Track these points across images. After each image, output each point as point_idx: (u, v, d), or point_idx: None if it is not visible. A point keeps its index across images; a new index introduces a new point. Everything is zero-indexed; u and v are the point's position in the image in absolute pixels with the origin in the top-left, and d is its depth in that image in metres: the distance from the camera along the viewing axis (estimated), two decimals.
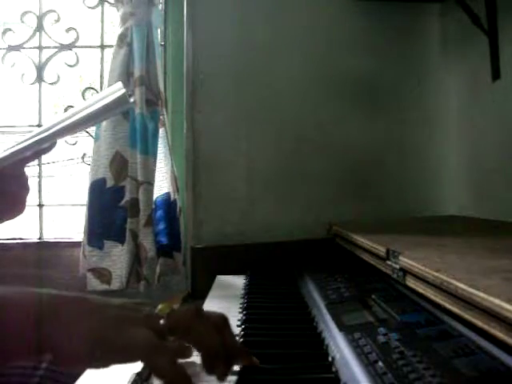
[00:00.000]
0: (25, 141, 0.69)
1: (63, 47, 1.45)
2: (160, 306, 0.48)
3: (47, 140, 0.69)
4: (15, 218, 0.77)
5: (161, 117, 1.33)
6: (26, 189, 0.76)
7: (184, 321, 0.49)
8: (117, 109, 0.70)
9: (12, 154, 0.69)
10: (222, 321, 0.53)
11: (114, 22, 1.40)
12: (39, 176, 1.48)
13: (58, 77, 1.45)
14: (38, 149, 0.71)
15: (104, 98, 0.67)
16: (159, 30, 1.38)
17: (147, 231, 1.27)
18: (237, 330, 0.71)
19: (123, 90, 0.67)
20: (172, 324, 0.48)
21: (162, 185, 1.35)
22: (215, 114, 1.32)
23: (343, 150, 1.34)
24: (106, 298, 0.49)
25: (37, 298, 0.45)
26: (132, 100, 1.26)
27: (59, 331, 0.43)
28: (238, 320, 0.77)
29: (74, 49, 1.45)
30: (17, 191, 0.75)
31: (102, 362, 0.44)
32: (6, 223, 0.77)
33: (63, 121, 0.68)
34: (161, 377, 0.43)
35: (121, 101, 0.67)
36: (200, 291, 1.13)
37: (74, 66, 1.45)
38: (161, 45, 1.41)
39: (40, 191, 1.48)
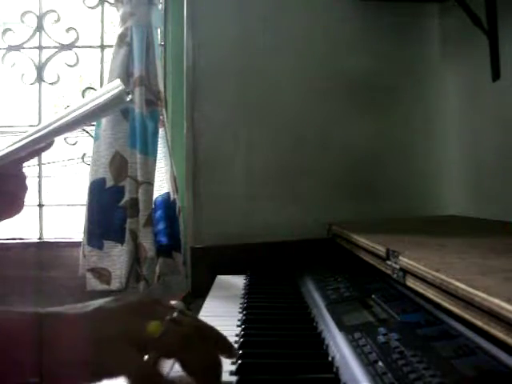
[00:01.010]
0: (22, 140, 0.69)
1: (63, 47, 1.45)
2: (152, 324, 0.45)
3: (45, 139, 0.69)
4: (14, 217, 0.76)
5: (161, 117, 1.33)
6: (24, 188, 0.76)
7: (174, 348, 0.46)
8: (115, 107, 0.70)
9: (9, 152, 0.69)
10: (215, 335, 0.51)
11: (114, 22, 1.40)
12: (39, 176, 1.48)
13: (58, 77, 1.45)
14: (36, 147, 0.71)
15: (102, 95, 0.67)
16: (159, 30, 1.38)
17: (147, 231, 1.27)
18: (237, 330, 0.71)
19: (121, 87, 0.67)
20: (162, 349, 0.45)
21: (162, 185, 1.35)
22: (215, 114, 1.32)
23: (343, 149, 1.34)
24: (109, 306, 0.47)
25: (30, 322, 0.43)
26: (130, 97, 1.25)
27: (54, 356, 0.42)
28: (238, 320, 0.77)
29: (74, 49, 1.45)
30: (15, 190, 0.75)
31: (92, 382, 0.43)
32: (5, 223, 0.77)
33: (61, 119, 0.68)
34: None
35: (118, 98, 0.66)
36: (200, 291, 1.13)
37: (74, 66, 1.45)
38: (161, 45, 1.41)
39: (40, 191, 1.48)
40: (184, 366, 0.46)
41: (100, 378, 0.43)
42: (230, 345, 0.53)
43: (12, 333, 0.42)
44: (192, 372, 0.46)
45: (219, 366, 0.48)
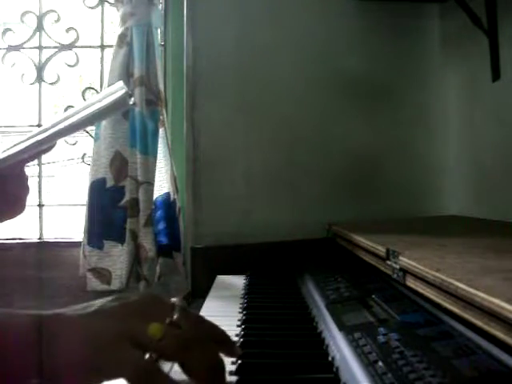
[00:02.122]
0: (24, 141, 0.69)
1: (63, 47, 1.45)
2: (153, 326, 0.44)
3: (47, 141, 0.69)
4: (15, 218, 0.77)
5: (161, 117, 1.33)
6: (25, 189, 0.76)
7: (176, 347, 0.45)
8: (117, 110, 0.70)
9: (12, 155, 0.69)
10: (218, 335, 0.51)
11: (114, 22, 1.40)
12: (39, 176, 1.48)
13: (58, 77, 1.45)
14: (38, 149, 0.71)
15: (105, 97, 0.67)
16: (159, 30, 1.38)
17: (147, 231, 1.27)
18: (237, 330, 0.71)
19: (124, 90, 0.67)
20: (163, 351, 0.45)
21: (162, 185, 1.35)
22: (215, 114, 1.32)
23: (343, 149, 1.34)
24: (108, 306, 0.46)
25: (31, 323, 0.43)
26: (133, 100, 1.25)
27: (55, 358, 0.41)
28: (238, 320, 0.77)
29: (74, 49, 1.45)
30: (16, 191, 0.75)
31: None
32: (6, 223, 0.77)
33: (63, 121, 0.68)
34: None
35: (121, 102, 0.66)
36: (200, 291, 1.13)
37: (74, 65, 1.45)
38: (161, 45, 1.41)
39: (40, 191, 1.48)
40: (186, 369, 0.46)
41: (101, 379, 0.43)
42: (232, 344, 0.53)
43: (13, 334, 0.42)
44: (194, 375, 0.46)
45: (222, 368, 0.47)
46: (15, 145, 0.69)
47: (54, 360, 0.42)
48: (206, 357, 0.46)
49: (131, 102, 0.69)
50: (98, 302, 0.47)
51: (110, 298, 0.48)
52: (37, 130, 0.71)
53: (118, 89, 0.67)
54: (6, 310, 0.44)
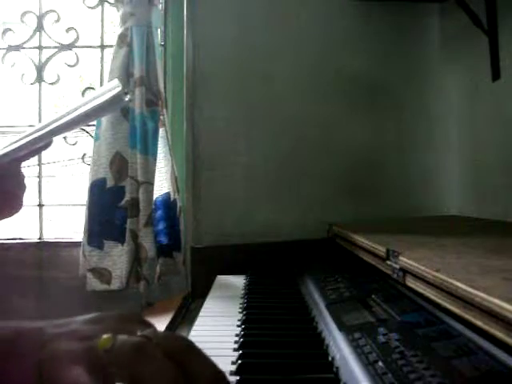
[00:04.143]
0: (21, 139, 0.69)
1: (63, 47, 1.45)
2: (104, 337, 0.39)
3: (43, 138, 0.69)
4: (12, 217, 0.76)
5: (161, 117, 1.33)
6: (22, 187, 0.76)
7: (126, 360, 0.38)
8: (113, 107, 0.70)
9: (8, 152, 0.69)
10: (182, 350, 0.39)
11: (114, 22, 1.40)
12: (39, 176, 1.48)
13: (58, 77, 1.45)
14: (35, 147, 0.71)
15: (101, 95, 0.67)
16: (159, 30, 1.38)
17: (147, 231, 1.27)
18: (237, 330, 0.71)
19: (119, 88, 0.67)
20: (112, 362, 0.38)
21: (162, 185, 1.35)
22: (215, 114, 1.32)
23: (343, 149, 1.34)
24: (62, 321, 0.42)
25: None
26: (128, 97, 1.25)
27: (4, 368, 0.39)
28: (238, 320, 0.77)
29: (74, 49, 1.45)
30: (13, 189, 0.75)
31: None
32: (5, 222, 0.77)
33: (59, 119, 0.68)
34: None
35: (117, 99, 0.66)
36: (200, 291, 1.13)
37: (74, 66, 1.45)
38: (161, 45, 1.41)
39: (40, 191, 1.48)
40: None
41: None
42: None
43: None
44: None
45: None
46: (12, 143, 0.69)
47: (14, 379, 0.38)
48: (161, 373, 0.36)
49: (127, 99, 0.69)
50: (70, 321, 0.43)
51: (82, 318, 0.43)
52: (33, 128, 0.71)
53: (114, 86, 0.67)
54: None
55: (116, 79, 0.71)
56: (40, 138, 0.69)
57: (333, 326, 0.69)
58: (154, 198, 1.31)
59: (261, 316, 0.79)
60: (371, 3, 1.31)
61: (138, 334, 0.39)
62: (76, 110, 0.68)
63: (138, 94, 1.28)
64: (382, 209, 1.31)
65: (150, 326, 0.43)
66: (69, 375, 0.37)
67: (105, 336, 0.39)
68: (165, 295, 1.33)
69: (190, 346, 0.40)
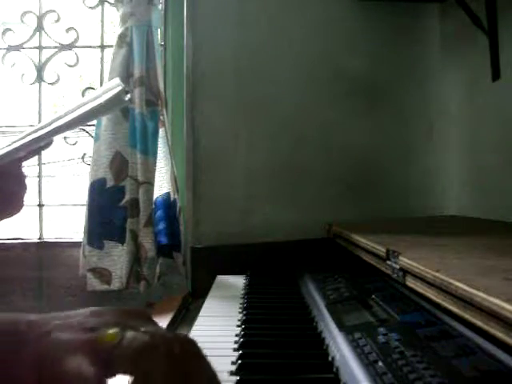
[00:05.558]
0: (21, 139, 0.69)
1: (63, 47, 1.45)
2: (110, 331, 0.39)
3: (44, 138, 0.69)
4: (13, 217, 0.76)
5: (161, 117, 1.33)
6: (23, 187, 0.76)
7: (133, 357, 0.38)
8: (114, 106, 0.70)
9: (9, 152, 0.69)
10: (186, 354, 0.39)
11: (114, 22, 1.40)
12: (39, 176, 1.48)
13: (58, 77, 1.45)
14: (35, 147, 0.71)
15: (101, 94, 0.67)
16: (159, 30, 1.38)
17: (147, 231, 1.27)
18: (237, 330, 0.71)
19: (120, 87, 0.67)
20: (119, 357, 0.38)
21: (162, 185, 1.35)
22: (215, 114, 1.32)
23: (343, 149, 1.34)
24: (59, 314, 0.42)
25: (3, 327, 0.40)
26: (129, 97, 1.25)
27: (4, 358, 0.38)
28: (238, 320, 0.77)
29: (74, 49, 1.45)
30: (14, 189, 0.75)
31: None
32: (5, 222, 0.77)
33: (60, 118, 0.68)
34: None
35: (118, 98, 0.66)
36: (200, 291, 1.13)
37: (74, 66, 1.45)
38: (161, 45, 1.41)
39: (40, 191, 1.48)
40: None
41: None
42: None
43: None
44: None
45: None
46: (12, 143, 0.69)
47: (16, 370, 0.38)
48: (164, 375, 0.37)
49: (127, 99, 0.69)
50: (75, 313, 0.42)
51: (88, 310, 0.42)
52: (33, 127, 0.70)
53: (115, 85, 0.67)
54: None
55: (117, 78, 0.71)
56: (41, 138, 0.69)
57: (333, 326, 0.69)
58: (154, 198, 1.31)
59: (261, 316, 0.79)
60: (371, 3, 1.30)
61: (142, 330, 0.39)
62: (77, 109, 0.68)
63: (138, 93, 1.28)
64: (382, 209, 1.31)
65: (154, 323, 0.43)
66: (71, 365, 0.37)
67: (112, 330, 0.39)
68: (165, 295, 1.33)
69: (194, 351, 0.40)
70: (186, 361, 0.38)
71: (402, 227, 1.11)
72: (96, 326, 0.40)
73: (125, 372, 0.38)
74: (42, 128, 0.69)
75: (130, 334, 0.38)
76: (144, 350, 0.38)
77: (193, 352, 0.39)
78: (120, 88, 0.66)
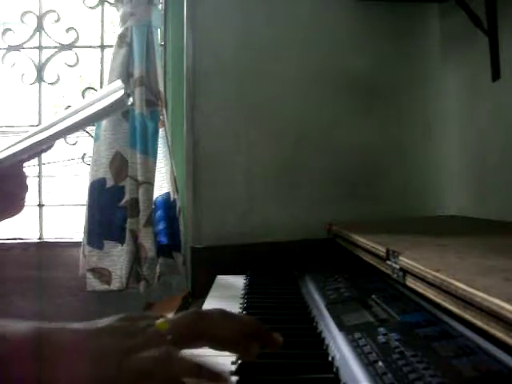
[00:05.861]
0: (22, 140, 0.69)
1: (63, 47, 1.45)
2: (158, 322, 0.45)
3: (46, 141, 0.69)
4: (14, 217, 0.77)
5: (161, 117, 1.33)
6: (24, 188, 0.76)
7: (191, 325, 0.46)
8: (116, 110, 0.70)
9: (11, 154, 0.69)
10: (224, 314, 0.49)
11: (114, 22, 1.40)
12: (39, 176, 1.48)
13: (58, 77, 1.45)
14: (37, 149, 0.71)
15: (103, 97, 0.67)
16: (159, 30, 1.38)
17: (147, 231, 1.27)
18: None
19: (122, 91, 0.67)
20: (181, 331, 0.45)
21: (162, 185, 1.35)
22: (215, 114, 1.32)
23: (343, 150, 1.34)
24: (100, 322, 0.45)
25: (33, 336, 0.42)
26: (131, 101, 1.25)
27: (53, 372, 0.40)
28: None
29: (74, 49, 1.45)
30: (16, 190, 0.75)
31: None
32: (6, 222, 0.77)
33: (62, 121, 0.68)
34: None
35: (120, 102, 0.66)
36: (200, 291, 1.13)
37: (74, 66, 1.45)
38: (161, 45, 1.41)
39: (40, 191, 1.48)
40: (210, 341, 0.46)
41: None
42: (267, 335, 0.50)
43: (15, 346, 0.41)
44: (221, 342, 0.47)
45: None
46: (13, 144, 0.70)
47: (52, 374, 0.40)
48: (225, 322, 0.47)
49: (129, 103, 0.69)
50: (103, 321, 0.45)
51: (115, 318, 0.46)
52: (35, 129, 0.71)
53: (117, 88, 0.67)
54: (6, 323, 0.43)
55: (119, 80, 0.71)
56: (43, 141, 0.69)
57: (333, 326, 0.69)
58: (154, 198, 1.31)
59: (261, 316, 0.79)
60: (371, 3, 1.30)
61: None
62: (79, 112, 0.68)
63: (138, 93, 1.28)
64: (383, 209, 1.31)
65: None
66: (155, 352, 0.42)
67: (160, 320, 0.45)
68: (165, 295, 1.33)
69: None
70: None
71: (402, 227, 1.11)
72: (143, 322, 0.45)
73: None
74: (43, 130, 0.69)
75: (172, 317, 0.46)
76: (193, 322, 0.46)
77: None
78: (122, 92, 0.66)
